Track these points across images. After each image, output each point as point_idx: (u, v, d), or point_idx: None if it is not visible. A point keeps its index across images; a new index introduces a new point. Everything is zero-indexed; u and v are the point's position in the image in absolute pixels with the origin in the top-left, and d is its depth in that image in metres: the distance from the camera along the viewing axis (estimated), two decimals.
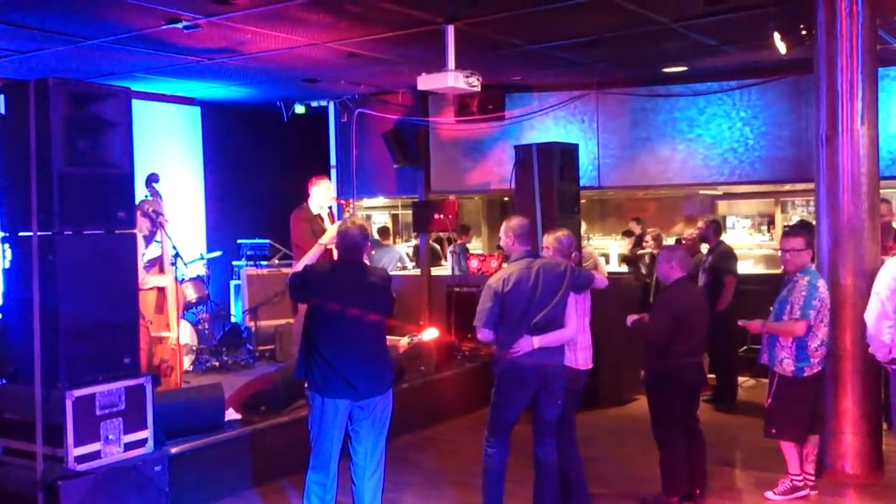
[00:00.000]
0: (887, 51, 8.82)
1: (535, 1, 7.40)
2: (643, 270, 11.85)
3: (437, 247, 14.12)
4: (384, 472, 5.53)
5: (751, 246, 12.78)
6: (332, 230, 6.71)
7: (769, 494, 6.42)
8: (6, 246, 5.23)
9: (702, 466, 6.36)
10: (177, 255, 8.63)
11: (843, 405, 6.81)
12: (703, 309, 6.47)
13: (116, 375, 5.19)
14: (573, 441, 6.11)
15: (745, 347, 9.80)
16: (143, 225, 7.32)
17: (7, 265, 5.23)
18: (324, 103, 13.14)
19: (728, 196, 13.13)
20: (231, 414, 7.03)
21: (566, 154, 9.40)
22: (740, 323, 6.55)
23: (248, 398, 7.34)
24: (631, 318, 6.40)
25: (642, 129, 11.39)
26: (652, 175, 11.46)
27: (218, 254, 11.78)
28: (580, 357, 6.11)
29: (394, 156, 12.44)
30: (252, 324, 10.90)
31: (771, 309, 6.42)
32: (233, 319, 11.96)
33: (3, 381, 5.36)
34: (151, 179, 7.69)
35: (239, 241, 12.50)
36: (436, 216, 11.56)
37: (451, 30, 8.09)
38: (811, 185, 7.27)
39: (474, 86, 8.38)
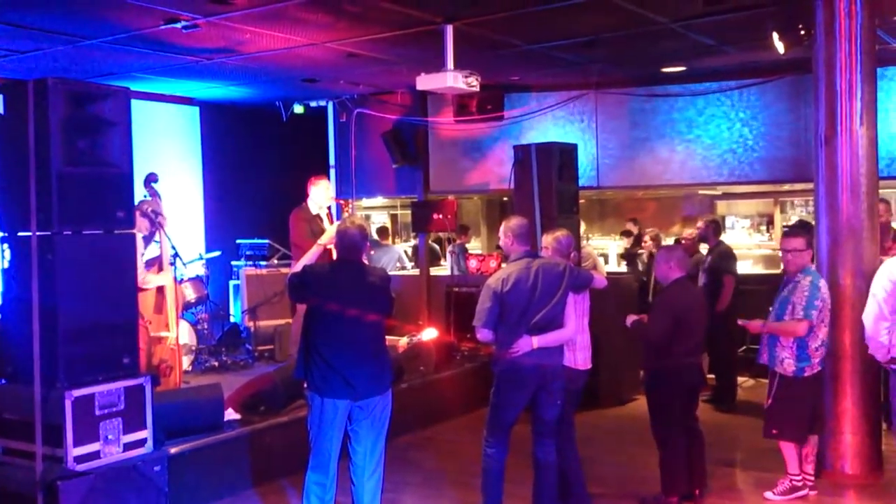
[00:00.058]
0: (886, 51, 8.82)
1: (533, 1, 7.39)
2: (640, 268, 11.86)
3: (437, 247, 14.12)
4: (383, 472, 5.54)
5: (750, 246, 12.78)
6: (330, 230, 6.71)
7: (768, 494, 6.42)
8: (5, 246, 5.22)
9: (701, 466, 6.36)
10: (176, 255, 8.63)
11: (843, 405, 6.82)
12: (703, 309, 6.47)
13: (116, 375, 5.18)
14: (572, 441, 6.12)
15: (744, 347, 9.80)
16: (142, 225, 7.32)
17: (6, 265, 5.23)
18: (323, 103, 13.13)
19: (727, 196, 13.14)
20: (230, 414, 7.03)
21: (565, 154, 9.41)
22: (740, 322, 6.55)
23: (247, 398, 7.34)
24: (630, 319, 6.40)
25: (641, 129, 11.38)
26: (651, 175, 11.46)
27: (217, 254, 11.77)
28: (579, 357, 6.11)
29: (393, 156, 12.43)
30: (251, 324, 10.90)
31: (770, 309, 6.42)
32: (232, 319, 11.96)
33: (3, 381, 5.35)
34: (150, 179, 7.69)
35: (238, 241, 12.49)
36: (435, 216, 11.56)
37: (449, 30, 8.09)
38: (810, 186, 7.28)
39: (473, 86, 8.37)
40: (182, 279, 9.65)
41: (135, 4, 7.19)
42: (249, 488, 6.82)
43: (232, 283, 12.54)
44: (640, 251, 12.26)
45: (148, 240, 7.64)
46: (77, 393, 4.93)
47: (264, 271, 11.59)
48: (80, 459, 4.91)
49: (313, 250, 6.10)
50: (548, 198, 9.02)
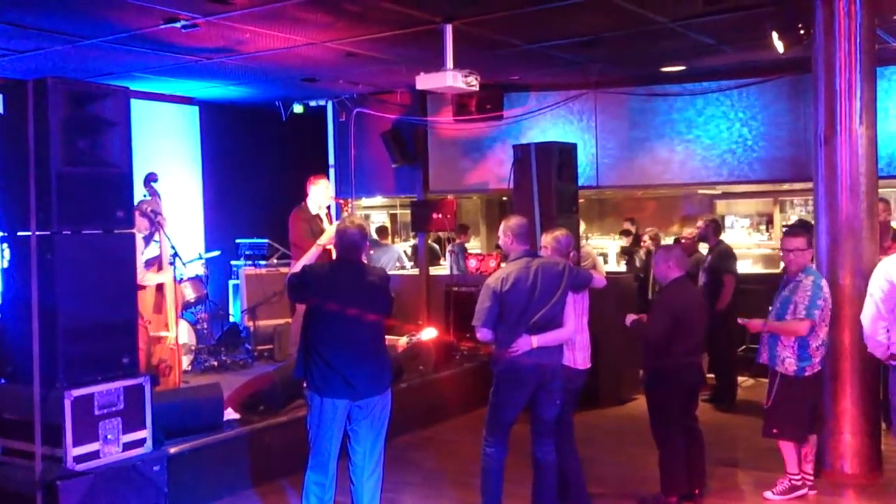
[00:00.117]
0: (886, 50, 8.82)
1: (533, 0, 7.39)
2: (638, 264, 11.86)
3: (436, 246, 14.12)
4: (383, 472, 5.54)
5: (749, 245, 12.79)
6: (330, 231, 6.71)
7: (768, 494, 6.42)
8: (5, 245, 5.22)
9: (700, 466, 6.36)
10: (175, 255, 8.63)
11: (842, 405, 6.82)
12: (702, 308, 6.48)
13: (115, 375, 5.18)
14: (572, 441, 6.12)
15: (743, 347, 9.81)
16: (141, 224, 7.32)
17: (6, 265, 5.23)
18: (322, 103, 13.12)
19: (726, 196, 13.14)
20: (230, 414, 7.03)
21: (564, 154, 9.41)
22: (740, 321, 6.55)
23: (246, 398, 7.34)
24: (630, 318, 6.40)
25: (641, 128, 11.38)
26: (650, 175, 11.46)
27: (216, 253, 11.77)
28: (578, 357, 6.11)
29: (392, 155, 12.43)
30: (250, 323, 10.90)
31: (770, 308, 6.42)
32: (231, 319, 11.96)
33: (2, 381, 5.35)
34: (150, 179, 7.69)
35: (237, 240, 12.49)
36: (434, 216, 11.56)
37: (449, 29, 8.09)
38: (810, 185, 7.28)
39: (472, 85, 8.37)
40: (181, 279, 9.65)
41: (134, 4, 7.18)
42: (249, 488, 6.83)
43: (231, 282, 12.54)
44: (637, 249, 12.27)
45: (147, 240, 7.64)
46: (76, 393, 4.93)
47: (264, 271, 11.60)
48: (79, 459, 4.92)
49: (312, 251, 6.10)
50: (547, 197, 9.02)
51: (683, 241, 10.28)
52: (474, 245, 15.15)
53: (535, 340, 5.57)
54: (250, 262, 11.93)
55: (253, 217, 12.85)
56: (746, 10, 7.72)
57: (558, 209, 9.04)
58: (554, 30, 8.53)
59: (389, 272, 9.64)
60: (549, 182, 9.04)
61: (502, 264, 6.94)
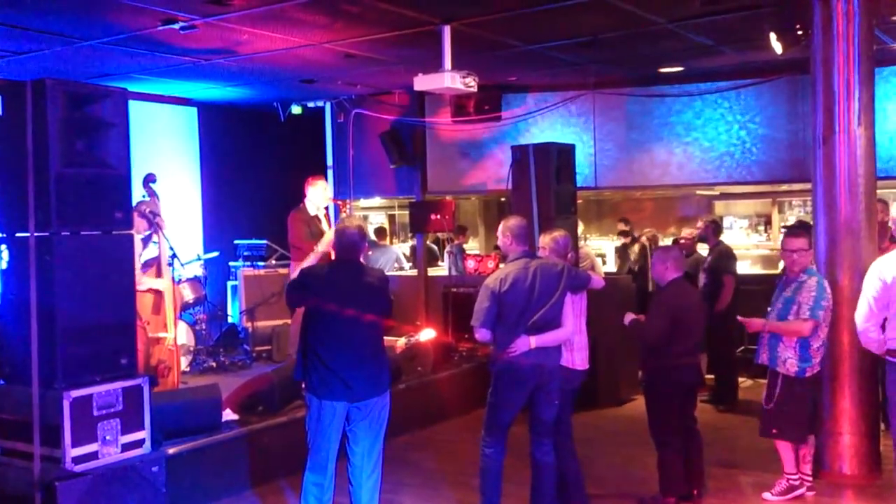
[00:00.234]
0: (884, 51, 8.83)
1: (531, 1, 7.40)
2: (632, 258, 11.88)
3: (435, 247, 14.13)
4: (382, 473, 5.54)
5: (748, 246, 12.79)
6: (329, 235, 6.72)
7: (766, 495, 6.43)
8: (3, 247, 5.22)
9: (699, 467, 6.36)
10: (174, 256, 8.62)
11: (841, 406, 6.83)
12: (700, 309, 6.48)
13: (114, 376, 5.18)
14: (570, 441, 6.12)
15: (742, 347, 9.81)
16: (139, 225, 7.31)
17: (4, 266, 5.23)
18: (320, 104, 13.12)
19: (725, 196, 13.15)
20: (228, 414, 7.03)
21: (563, 154, 9.41)
22: (740, 319, 6.54)
23: (245, 399, 7.34)
24: (629, 317, 6.40)
25: (639, 129, 11.39)
26: (649, 175, 11.47)
27: (215, 254, 11.76)
28: (577, 357, 6.12)
29: (390, 156, 12.43)
30: (249, 324, 10.90)
31: (769, 309, 6.42)
32: (230, 320, 11.96)
33: (1, 381, 5.34)
34: (148, 180, 7.69)
35: (236, 241, 12.48)
36: (433, 216, 11.57)
37: (447, 30, 8.09)
38: (808, 186, 7.30)
39: (471, 86, 8.38)
40: (180, 280, 9.65)
41: (132, 5, 7.18)
42: (248, 489, 6.82)
43: (230, 283, 12.54)
44: (631, 243, 12.33)
45: (146, 241, 7.64)
46: (75, 393, 4.92)
47: (262, 272, 11.60)
48: (78, 460, 4.91)
49: (311, 258, 6.11)
50: (545, 198, 9.02)
51: (682, 241, 10.30)
52: (473, 246, 15.15)
53: (534, 341, 5.58)
54: (249, 264, 11.92)
55: (251, 218, 12.85)
56: (745, 10, 7.73)
57: (557, 210, 9.04)
58: (552, 31, 8.53)
59: (388, 273, 9.66)
60: (547, 183, 9.04)
61: (501, 265, 6.95)
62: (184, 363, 9.08)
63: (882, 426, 7.07)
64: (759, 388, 7.06)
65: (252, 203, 13.06)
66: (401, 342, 9.63)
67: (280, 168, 12.74)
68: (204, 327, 10.59)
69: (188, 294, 10.10)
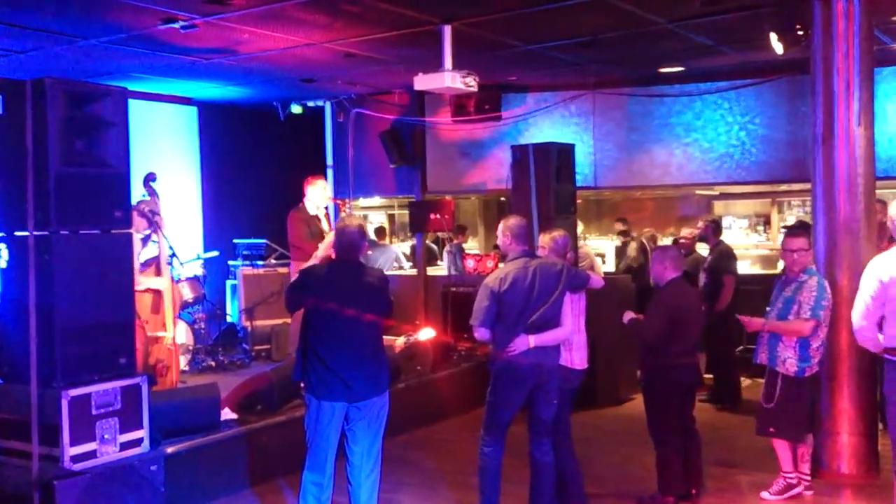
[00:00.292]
0: (884, 52, 8.83)
1: (531, 1, 7.40)
2: (633, 253, 11.91)
3: (435, 247, 14.13)
4: (381, 472, 5.54)
5: (747, 246, 12.79)
6: (329, 238, 6.72)
7: (764, 495, 6.43)
8: (3, 246, 5.22)
9: (698, 466, 6.37)
10: (173, 255, 8.62)
11: (840, 405, 6.83)
12: (698, 308, 6.48)
13: (112, 375, 5.19)
14: (569, 441, 6.12)
15: (741, 347, 9.81)
16: (139, 225, 7.31)
17: (3, 265, 5.23)
18: (320, 103, 13.12)
19: (724, 196, 13.15)
20: (227, 413, 7.03)
21: (562, 154, 9.42)
22: (739, 318, 6.54)
23: (244, 398, 7.34)
24: (628, 316, 6.40)
25: (639, 129, 11.39)
26: (648, 175, 11.47)
27: (214, 254, 11.76)
28: (575, 357, 6.12)
29: (390, 156, 12.43)
30: (248, 323, 10.91)
31: (768, 308, 6.42)
32: (229, 319, 11.96)
33: (0, 380, 5.35)
34: (149, 179, 7.68)
35: (235, 240, 12.48)
36: (432, 216, 11.57)
37: (447, 30, 8.09)
38: (808, 186, 7.30)
39: (471, 86, 8.38)
40: (179, 279, 9.65)
41: (132, 4, 7.19)
42: (246, 488, 6.82)
43: (229, 282, 12.54)
44: (629, 240, 12.37)
45: (145, 240, 7.63)
46: (74, 392, 4.93)
47: (261, 271, 11.60)
48: (76, 459, 4.92)
49: (313, 262, 6.11)
50: (545, 198, 9.02)
51: (682, 241, 10.31)
52: (472, 245, 15.15)
53: (533, 340, 5.58)
54: (248, 263, 11.92)
55: (251, 217, 12.85)
56: (745, 10, 7.73)
57: (556, 210, 9.05)
58: (552, 30, 8.53)
59: (387, 273, 9.67)
60: (547, 183, 9.04)
61: (500, 264, 6.95)
62: (183, 362, 9.08)
63: (880, 426, 7.07)
64: (758, 388, 7.06)
65: (252, 202, 13.06)
66: (400, 341, 9.63)
67: (280, 167, 12.74)
68: (203, 326, 10.59)
69: (187, 293, 10.10)
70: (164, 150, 12.14)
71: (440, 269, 13.01)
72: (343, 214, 8.63)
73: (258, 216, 12.63)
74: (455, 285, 10.92)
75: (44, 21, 7.77)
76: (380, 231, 14.42)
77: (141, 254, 7.50)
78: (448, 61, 8.15)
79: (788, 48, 8.11)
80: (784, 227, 11.69)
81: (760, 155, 10.74)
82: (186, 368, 9.51)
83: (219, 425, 6.78)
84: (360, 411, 5.37)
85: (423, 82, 8.33)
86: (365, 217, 14.82)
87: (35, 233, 4.99)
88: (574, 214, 9.58)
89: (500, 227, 5.92)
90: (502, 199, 14.27)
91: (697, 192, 13.22)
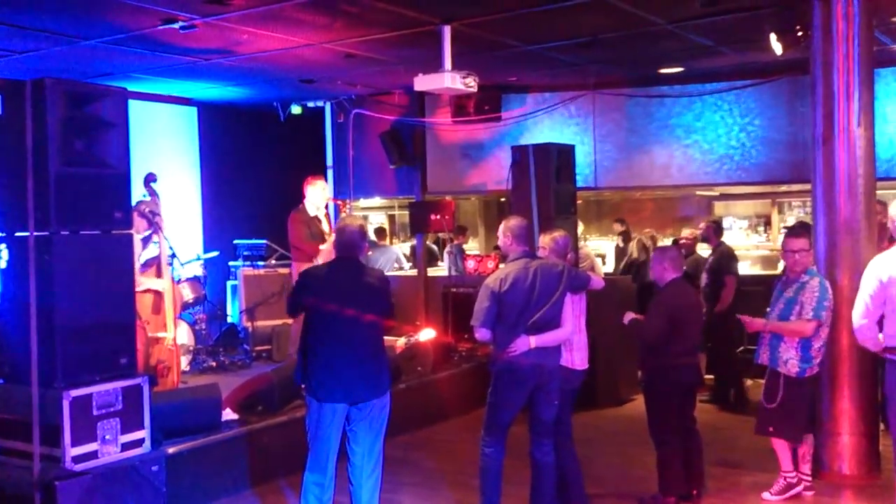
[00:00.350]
0: (884, 52, 8.83)
1: (531, 1, 7.40)
2: (635, 253, 11.93)
3: (435, 247, 14.13)
4: (382, 473, 5.54)
5: (748, 247, 12.79)
6: (328, 244, 6.71)
7: (766, 495, 6.43)
8: (3, 246, 5.22)
9: (699, 466, 6.37)
10: (173, 256, 8.62)
11: (841, 406, 6.83)
12: (699, 309, 6.49)
13: (113, 376, 5.18)
14: (570, 441, 6.12)
15: (741, 348, 9.80)
16: (139, 225, 7.31)
17: (4, 265, 5.22)
18: (320, 104, 13.12)
19: (725, 197, 13.15)
20: (228, 414, 7.03)
21: (563, 155, 9.42)
22: (740, 318, 6.53)
23: (244, 398, 7.34)
24: (628, 316, 6.40)
25: (639, 129, 11.39)
26: (648, 176, 11.47)
27: (215, 254, 11.76)
28: (576, 357, 6.12)
29: (390, 156, 12.43)
30: (249, 324, 10.90)
31: (769, 309, 6.41)
32: (229, 320, 11.96)
33: (1, 381, 5.35)
34: (149, 179, 7.69)
35: (235, 241, 12.49)
36: (432, 217, 11.57)
37: (447, 30, 8.09)
38: (808, 187, 7.30)
39: (471, 86, 8.38)
40: (180, 280, 9.65)
41: (132, 5, 7.19)
42: (248, 488, 6.82)
43: (230, 283, 12.54)
44: (630, 239, 12.42)
45: (146, 241, 7.63)
46: (75, 393, 4.93)
47: (262, 272, 11.60)
48: (77, 459, 4.92)
49: (318, 262, 6.10)
50: (545, 198, 9.03)
51: (682, 241, 10.32)
52: (472, 246, 15.15)
53: (534, 341, 5.58)
54: (248, 263, 11.92)
55: (251, 218, 12.85)
56: (745, 11, 7.73)
57: (556, 210, 9.05)
58: (552, 31, 8.53)
59: (387, 273, 9.67)
60: (547, 183, 9.04)
61: (500, 265, 6.95)
62: (183, 363, 9.07)
63: (881, 426, 7.07)
64: (758, 388, 7.06)
65: (252, 203, 13.06)
66: (400, 342, 9.63)
67: (280, 168, 12.74)
68: (204, 327, 10.59)
69: (188, 294, 10.10)
70: (164, 150, 12.15)
71: (440, 269, 13.01)
72: (343, 215, 8.62)
73: (258, 216, 12.63)
74: (455, 286, 10.92)
75: (44, 21, 7.78)
76: (380, 231, 14.42)
77: (142, 255, 7.50)
78: (448, 62, 8.15)
79: (788, 49, 8.12)
80: (784, 227, 11.69)
81: (760, 156, 10.74)
82: (187, 369, 9.50)
83: (220, 426, 6.78)
84: (361, 412, 5.37)
85: (423, 83, 8.33)
86: (365, 217, 14.81)
87: (35, 233, 4.98)
88: (574, 215, 9.58)
89: (501, 227, 5.92)
90: (502, 199, 14.27)
91: (698, 192, 13.23)
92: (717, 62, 10.08)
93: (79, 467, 4.91)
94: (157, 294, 7.62)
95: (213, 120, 13.00)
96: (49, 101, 4.92)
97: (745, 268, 11.66)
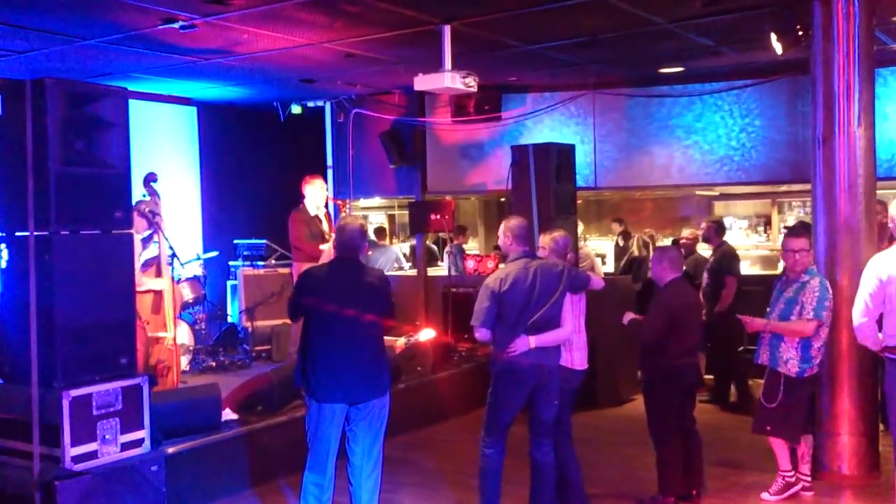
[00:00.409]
0: (884, 52, 8.83)
1: (531, 1, 7.40)
2: (637, 252, 11.94)
3: (435, 247, 14.13)
4: (381, 473, 5.54)
5: (748, 247, 12.80)
6: (329, 243, 6.70)
7: (765, 495, 6.43)
8: (3, 246, 5.21)
9: (698, 467, 6.36)
10: (173, 256, 8.61)
11: (840, 406, 6.83)
12: (698, 309, 6.48)
13: (113, 375, 5.18)
14: (570, 441, 6.12)
15: (741, 348, 9.79)
16: (139, 225, 7.31)
17: (4, 265, 5.22)
18: (320, 104, 13.13)
19: (725, 197, 13.16)
20: (228, 414, 7.03)
21: (563, 155, 9.41)
22: (740, 317, 6.53)
23: (244, 398, 7.34)
24: (628, 317, 6.40)
25: (639, 129, 11.39)
26: (648, 176, 11.47)
27: (214, 254, 11.77)
28: (576, 357, 6.12)
29: (390, 156, 12.44)
30: (249, 324, 10.90)
31: (769, 309, 6.41)
32: (229, 320, 11.95)
33: (1, 381, 5.34)
34: (149, 179, 7.69)
35: (235, 241, 12.49)
36: (432, 217, 11.56)
37: (447, 30, 8.09)
38: (808, 186, 7.29)
39: (471, 86, 8.38)
40: (179, 279, 9.65)
41: (132, 4, 7.18)
42: (247, 488, 6.82)
43: (229, 283, 12.54)
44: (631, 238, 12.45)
45: (146, 241, 7.63)
46: (74, 393, 4.92)
47: (262, 271, 11.60)
48: (77, 459, 4.91)
49: (323, 258, 6.10)
50: (545, 198, 9.01)
51: (683, 241, 10.32)
52: (472, 246, 15.15)
53: (534, 341, 5.58)
54: (248, 263, 11.93)
55: (251, 218, 12.86)
56: (745, 11, 7.73)
57: (556, 210, 9.04)
58: (552, 31, 8.53)
59: (387, 273, 9.66)
60: (547, 183, 9.03)
61: (500, 265, 6.95)
62: (183, 363, 9.07)
63: (881, 426, 7.07)
64: (758, 388, 7.05)
65: (252, 203, 13.07)
66: (400, 342, 9.63)
67: (280, 168, 12.74)
68: (203, 327, 10.59)
69: (188, 293, 10.10)
70: (164, 150, 12.14)
71: (440, 269, 13.01)
72: (343, 215, 8.63)
73: (258, 216, 12.64)
74: (455, 286, 10.92)
75: (44, 21, 7.77)
76: (380, 231, 14.42)
77: (142, 254, 7.50)
78: (448, 61, 8.15)
79: (788, 48, 8.11)
80: (784, 227, 11.69)
81: (760, 156, 10.73)
82: (187, 369, 9.50)
83: (219, 426, 6.78)
84: (360, 412, 5.37)
85: (423, 82, 8.33)
86: (365, 217, 14.82)
87: (35, 233, 4.98)
88: (574, 215, 9.57)
89: (502, 227, 5.92)
90: (502, 199, 14.27)
91: (698, 192, 13.23)
92: (717, 62, 10.08)
93: (78, 467, 4.91)
94: (158, 294, 7.62)
95: (213, 120, 13.00)
96: (49, 101, 4.92)
97: (745, 268, 11.64)
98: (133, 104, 5.63)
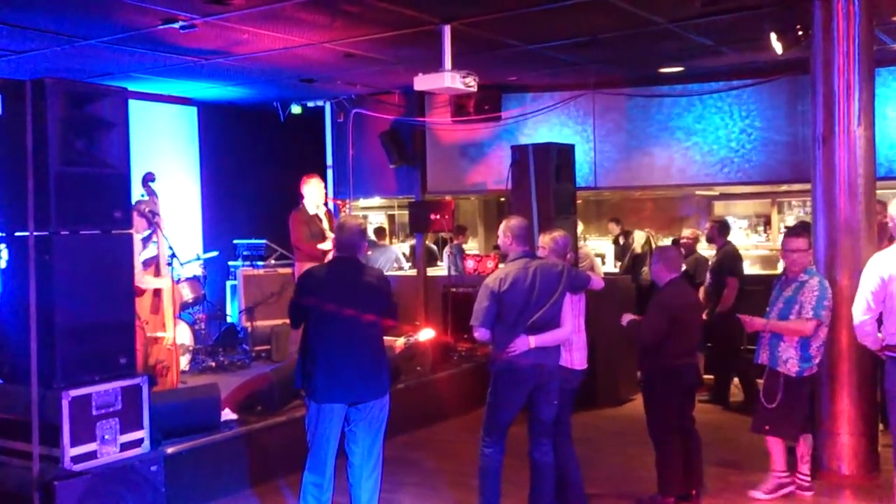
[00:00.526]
0: (884, 52, 8.83)
1: (531, 1, 7.39)
2: (638, 251, 11.95)
3: (435, 247, 14.12)
4: (381, 473, 5.54)
5: (748, 247, 12.77)
6: (328, 242, 6.70)
7: (754, 493, 6.44)
8: (3, 246, 5.21)
9: (698, 467, 6.37)
10: (173, 256, 8.61)
11: (840, 406, 6.83)
12: (698, 309, 6.48)
13: (113, 375, 5.17)
14: (569, 441, 6.12)
15: (741, 348, 9.78)
16: (139, 225, 7.31)
17: (3, 265, 5.22)
18: (320, 103, 13.13)
19: (724, 197, 13.14)
20: (227, 414, 7.03)
21: (562, 154, 9.41)
22: (740, 317, 6.53)
23: (244, 398, 7.34)
24: (626, 318, 6.40)
25: (639, 129, 11.39)
26: (648, 176, 11.47)
27: (214, 254, 11.76)
28: (575, 357, 6.13)
29: (390, 156, 12.44)
30: (248, 324, 10.90)
31: (768, 309, 6.41)
32: (229, 320, 11.95)
33: (0, 381, 5.34)
34: (148, 178, 7.69)
35: (235, 241, 12.49)
36: (432, 216, 11.57)
37: (447, 30, 8.09)
38: (808, 186, 7.29)
39: (471, 86, 8.38)
40: (179, 279, 9.65)
41: (132, 4, 7.18)
42: (247, 488, 6.82)
43: (229, 283, 12.54)
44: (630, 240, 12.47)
45: (146, 241, 7.63)
46: (74, 393, 4.92)
47: (261, 271, 11.59)
48: (76, 459, 4.91)
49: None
50: (545, 198, 9.01)
51: (683, 241, 10.32)
52: (472, 246, 15.14)
53: (533, 341, 5.58)
54: (248, 263, 11.92)
55: (251, 218, 12.86)
56: (745, 11, 7.73)
57: (556, 210, 9.04)
58: (552, 30, 8.53)
59: (387, 273, 9.66)
60: (547, 183, 9.03)
61: (500, 265, 6.95)
62: (183, 363, 9.07)
63: (881, 426, 7.07)
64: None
65: (252, 203, 13.07)
66: (400, 342, 9.63)
67: (280, 168, 12.73)
68: (203, 327, 10.59)
69: (187, 293, 10.10)
70: (164, 150, 12.14)
71: (440, 269, 13.01)
72: (343, 214, 8.63)
73: (258, 216, 12.64)
74: (455, 286, 10.92)
75: (44, 21, 7.77)
76: (380, 231, 14.41)
77: (141, 254, 7.50)
78: (448, 61, 8.15)
79: (788, 48, 8.11)
80: (784, 227, 11.69)
81: (760, 156, 10.73)
82: (186, 369, 9.50)
83: (219, 426, 6.78)
84: (360, 412, 5.37)
85: (422, 82, 8.33)
86: (365, 217, 14.81)
87: (35, 233, 4.97)
88: (574, 215, 9.57)
89: (502, 227, 5.92)
90: (502, 199, 14.27)
91: (697, 192, 13.22)
92: (717, 62, 10.08)
93: (78, 467, 4.90)
94: (157, 294, 7.62)
95: (213, 120, 13.00)
96: (49, 101, 4.91)
97: (746, 268, 11.61)
98: (133, 104, 5.63)
